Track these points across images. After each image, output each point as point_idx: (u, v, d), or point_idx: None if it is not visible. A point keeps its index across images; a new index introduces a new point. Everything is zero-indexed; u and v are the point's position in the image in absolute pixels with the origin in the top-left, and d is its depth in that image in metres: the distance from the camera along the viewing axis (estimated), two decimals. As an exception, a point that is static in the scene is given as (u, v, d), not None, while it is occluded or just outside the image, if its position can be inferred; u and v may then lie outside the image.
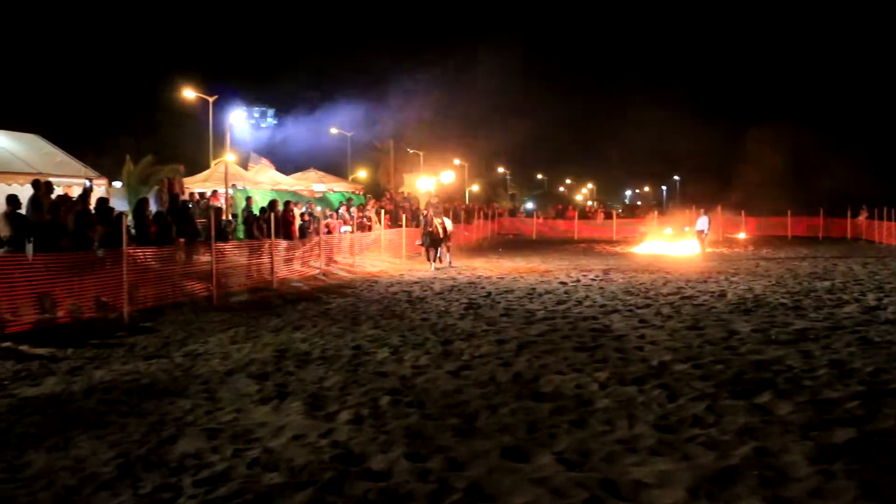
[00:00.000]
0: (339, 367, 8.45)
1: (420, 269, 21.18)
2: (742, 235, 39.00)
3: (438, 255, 22.24)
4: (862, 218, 37.02)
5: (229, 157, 30.57)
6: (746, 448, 5.49)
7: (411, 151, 56.06)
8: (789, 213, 40.32)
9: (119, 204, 20.69)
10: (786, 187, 42.75)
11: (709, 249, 28.27)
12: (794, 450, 5.43)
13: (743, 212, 41.28)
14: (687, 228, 30.92)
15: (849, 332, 10.16)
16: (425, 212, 25.08)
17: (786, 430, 5.88)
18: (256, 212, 19.42)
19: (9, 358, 9.25)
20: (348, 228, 24.08)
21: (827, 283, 16.50)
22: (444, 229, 22.20)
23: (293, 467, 5.27)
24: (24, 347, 9.74)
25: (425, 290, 16.02)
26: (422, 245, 22.64)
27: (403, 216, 26.82)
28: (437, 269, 21.23)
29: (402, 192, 41.23)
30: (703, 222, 28.02)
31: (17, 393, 7.61)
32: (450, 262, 22.35)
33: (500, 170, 78.51)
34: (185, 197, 21.14)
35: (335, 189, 32.63)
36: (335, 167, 42.77)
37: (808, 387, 7.23)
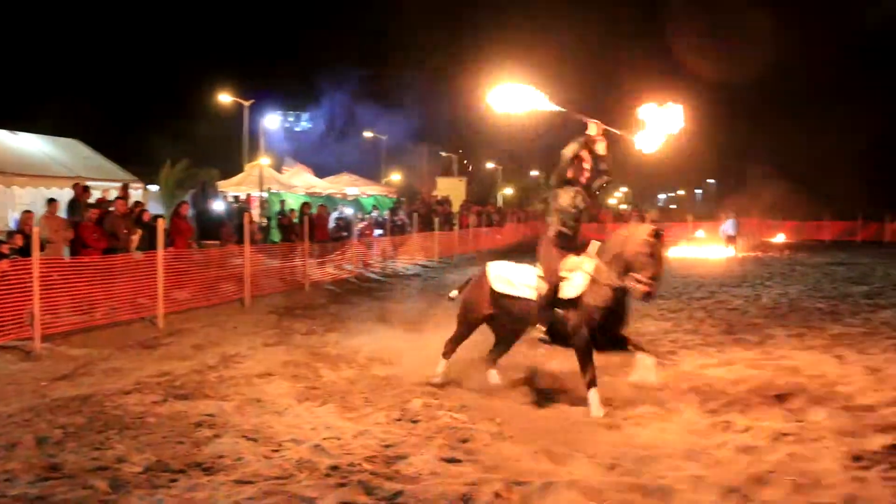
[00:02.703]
0: (371, 369, 8.50)
1: (453, 274, 21.20)
2: (779, 239, 38.52)
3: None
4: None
5: (264, 161, 30.84)
6: (780, 454, 5.45)
7: (445, 154, 56.19)
8: (827, 216, 39.77)
9: (155, 207, 20.98)
10: (821, 192, 42.14)
11: (741, 254, 27.98)
12: (828, 456, 5.39)
13: (780, 215, 40.78)
14: (700, 233, 30.66)
15: (885, 338, 10.02)
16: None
17: (820, 436, 5.82)
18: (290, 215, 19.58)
19: (47, 359, 9.41)
20: (381, 231, 24.18)
21: (864, 288, 16.26)
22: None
23: (326, 468, 5.31)
24: (62, 348, 9.91)
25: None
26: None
27: (436, 219, 26.86)
28: None
29: (436, 195, 41.32)
30: (730, 225, 27.76)
31: (53, 394, 7.74)
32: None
33: (534, 173, 78.36)
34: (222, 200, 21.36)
35: (368, 192, 32.81)
36: (368, 170, 42.96)
37: (841, 392, 7.15)
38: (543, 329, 6.99)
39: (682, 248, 31.36)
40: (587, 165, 7.14)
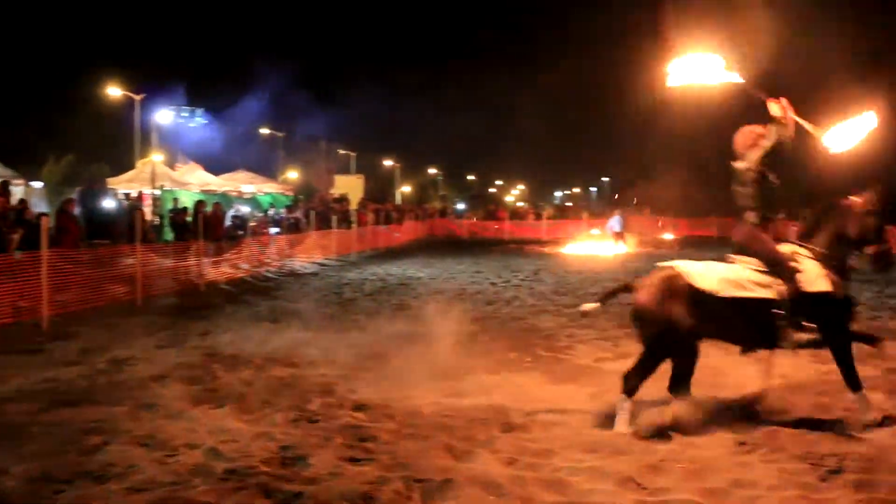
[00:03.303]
0: (268, 370, 8.36)
1: (352, 272, 21.09)
2: (669, 236, 39.79)
3: None
4: (780, 218, 38.07)
5: (156, 157, 29.95)
6: (672, 443, 5.64)
7: (343, 152, 55.82)
8: (714, 214, 41.29)
9: (39, 205, 20.09)
10: (713, 188, 43.70)
11: (632, 250, 28.81)
12: (716, 442, 5.62)
13: (669, 213, 42.21)
14: (595, 231, 31.49)
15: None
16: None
17: (708, 424, 6.04)
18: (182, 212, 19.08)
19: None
20: (278, 230, 23.84)
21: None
22: None
23: (223, 472, 5.18)
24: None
25: (356, 292, 15.95)
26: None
27: (334, 217, 26.66)
28: None
29: (333, 193, 41.00)
30: (616, 222, 28.60)
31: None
32: None
33: (432, 171, 78.71)
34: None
35: (265, 190, 32.29)
36: (265, 168, 42.26)
37: (733, 382, 7.44)
38: (797, 335, 5.91)
39: (576, 245, 32.07)
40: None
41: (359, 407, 6.77)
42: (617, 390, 6.19)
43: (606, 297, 6.68)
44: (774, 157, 6.07)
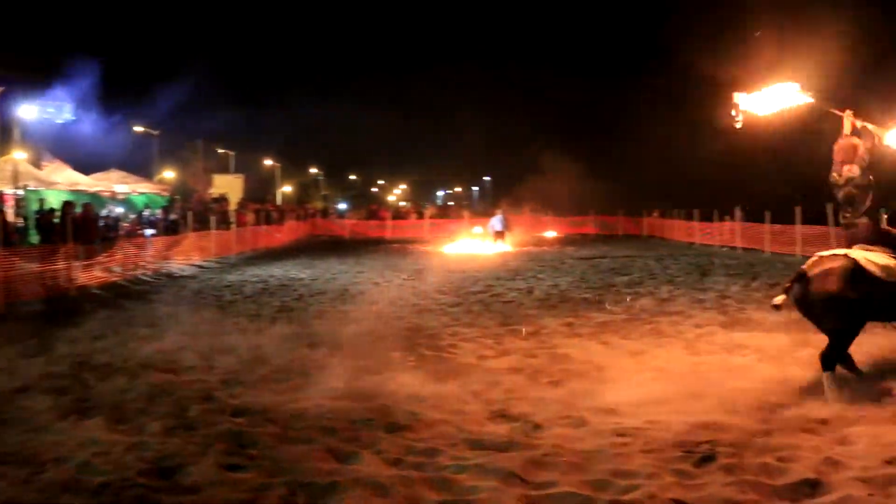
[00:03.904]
0: (144, 377, 8.05)
1: (231, 274, 20.60)
2: (550, 234, 40.67)
3: None
4: (655, 216, 39.57)
5: (19, 155, 28.40)
6: (554, 437, 5.74)
7: (221, 151, 54.51)
8: (592, 212, 42.49)
9: None
10: (590, 187, 44.95)
11: (513, 248, 29.32)
12: (597, 435, 5.76)
13: (550, 211, 43.18)
14: (477, 230, 31.95)
15: (645, 323, 10.86)
16: None
17: (590, 417, 6.21)
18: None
19: None
20: (153, 231, 23.06)
21: (625, 278, 17.53)
22: None
23: (95, 486, 4.95)
24: None
25: (236, 295, 15.60)
26: None
27: (213, 218, 26.01)
28: None
29: (212, 193, 39.99)
30: (497, 221, 29.07)
31: None
32: None
33: (313, 170, 77.86)
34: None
35: (139, 190, 31.14)
36: (140, 167, 40.73)
37: (609, 374, 7.66)
38: None
39: (458, 244, 32.35)
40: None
41: (239, 412, 6.61)
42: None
43: (789, 289, 6.72)
44: (871, 161, 6.89)
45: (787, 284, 6.78)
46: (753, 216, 26.87)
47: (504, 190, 57.46)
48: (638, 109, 52.12)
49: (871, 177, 6.92)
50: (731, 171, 41.46)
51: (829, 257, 6.64)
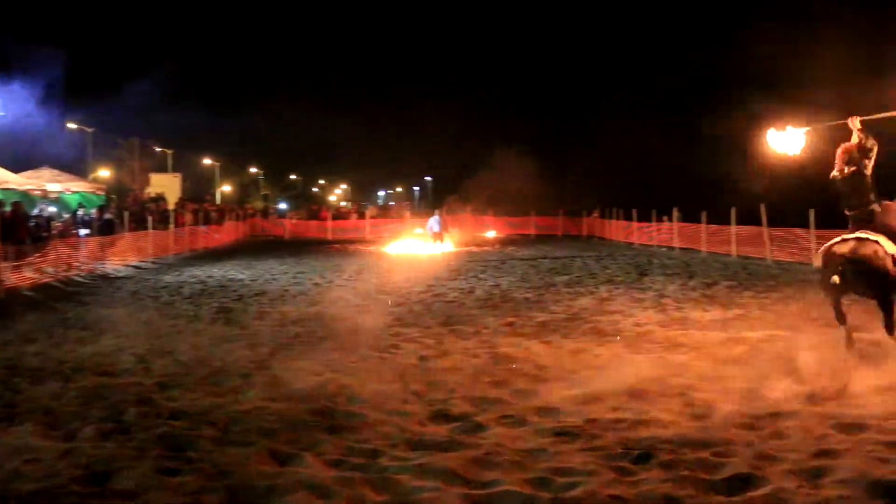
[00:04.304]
0: (78, 381, 7.85)
1: (169, 275, 20.23)
2: (491, 234, 40.88)
3: None
4: (595, 217, 40.06)
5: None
6: (496, 436, 5.76)
7: (159, 150, 53.57)
8: (532, 212, 42.84)
9: None
10: (530, 188, 45.30)
11: (455, 249, 29.42)
12: (538, 433, 5.80)
13: (491, 211, 43.42)
14: (418, 230, 32.02)
15: (585, 322, 10.98)
16: None
17: (531, 416, 6.25)
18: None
19: None
20: (87, 231, 22.53)
21: (565, 278, 17.70)
22: None
23: (25, 495, 4.80)
24: None
25: (173, 296, 15.33)
26: None
27: (150, 218, 25.52)
28: None
29: (149, 193, 39.25)
30: (434, 222, 29.16)
31: None
32: None
33: (253, 170, 76.98)
34: None
35: (73, 189, 30.36)
36: (73, 165, 39.71)
37: (551, 374, 7.72)
38: None
39: (399, 245, 32.32)
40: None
41: (177, 415, 6.49)
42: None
43: (842, 274, 7.35)
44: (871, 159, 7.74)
45: (839, 267, 7.41)
46: (690, 217, 27.45)
47: (446, 190, 57.58)
48: (579, 111, 52.81)
49: (868, 173, 7.70)
50: (669, 173, 42.27)
51: (864, 240, 7.44)
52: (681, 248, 26.80)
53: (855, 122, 7.80)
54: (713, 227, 25.27)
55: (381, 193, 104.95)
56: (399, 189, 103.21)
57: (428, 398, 6.93)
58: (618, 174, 47.48)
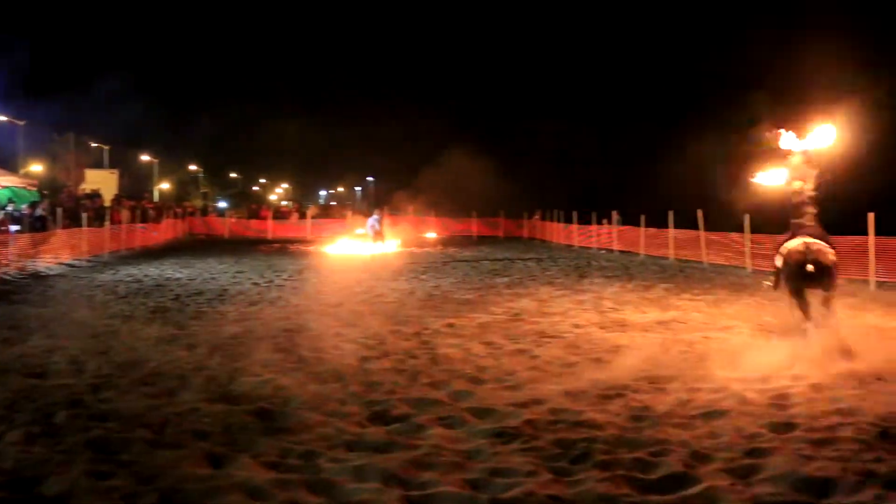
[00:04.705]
0: (4, 383, 7.61)
1: (104, 274, 19.78)
2: (432, 235, 40.92)
3: None
4: (536, 219, 40.39)
5: None
6: (435, 437, 5.76)
7: (95, 145, 52.42)
8: (475, 214, 43.02)
9: None
10: (472, 189, 45.48)
11: (398, 249, 29.38)
12: (476, 434, 5.82)
13: (433, 212, 43.48)
14: (360, 230, 31.91)
15: (526, 323, 11.06)
16: None
17: (470, 417, 6.26)
18: None
19: None
20: (18, 227, 21.91)
21: (506, 279, 17.80)
22: None
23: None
24: None
25: (108, 295, 14.99)
26: None
27: (84, 215, 24.93)
28: None
29: (84, 189, 38.35)
30: (374, 221, 29.15)
31: None
32: None
33: (193, 167, 75.81)
34: None
35: (3, 184, 29.50)
36: (3, 160, 38.59)
37: (490, 374, 7.75)
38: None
39: (340, 245, 32.15)
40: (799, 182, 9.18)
41: (110, 417, 6.34)
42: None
43: (813, 264, 8.67)
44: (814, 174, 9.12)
45: (810, 267, 8.64)
46: (629, 220, 27.87)
47: (388, 191, 57.53)
48: (521, 115, 53.18)
49: (815, 188, 9.07)
50: (609, 177, 42.85)
51: (813, 244, 8.77)
52: (620, 251, 27.19)
53: (793, 144, 9.24)
54: (651, 230, 25.69)
55: (323, 193, 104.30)
56: (341, 189, 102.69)
57: (367, 399, 6.89)
58: (559, 177, 47.99)
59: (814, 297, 8.81)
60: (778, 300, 10.02)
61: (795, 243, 8.89)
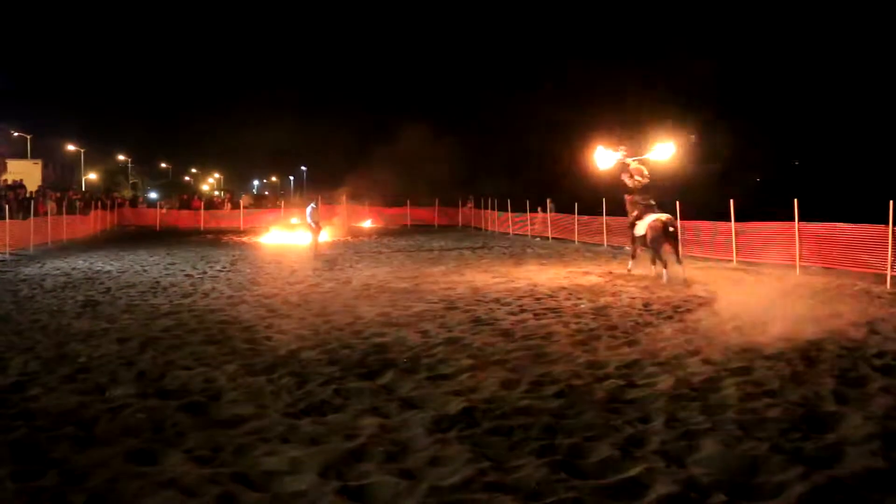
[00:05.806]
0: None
1: (29, 267, 19.19)
2: (367, 224, 40.76)
3: None
4: (469, 207, 40.52)
5: None
6: (372, 427, 5.73)
7: (17, 134, 50.85)
8: (408, 202, 42.97)
9: None
10: (406, 178, 45.45)
11: (332, 239, 29.18)
12: (415, 423, 5.80)
13: (367, 202, 43.30)
14: (294, 220, 31.60)
15: (461, 312, 11.08)
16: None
17: (407, 406, 6.25)
18: None
19: None
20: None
21: (442, 268, 17.82)
22: None
23: None
24: None
25: (34, 289, 14.54)
26: None
27: (7, 207, 24.15)
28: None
29: (6, 180, 37.15)
30: (310, 211, 28.98)
31: None
32: None
33: (121, 157, 74.07)
34: None
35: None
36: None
37: (426, 364, 7.75)
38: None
39: (274, 235, 31.79)
40: (638, 177, 15.05)
41: (35, 415, 6.15)
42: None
43: (672, 229, 14.64)
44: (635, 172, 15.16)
45: (671, 229, 14.37)
46: (563, 208, 28.18)
47: (322, 180, 57.07)
48: (455, 104, 53.22)
49: (642, 179, 15.04)
50: (542, 166, 43.21)
51: (668, 216, 14.59)
52: (554, 239, 27.48)
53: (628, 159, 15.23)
54: (585, 217, 26.03)
55: (256, 183, 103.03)
56: (274, 178, 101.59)
57: (302, 391, 6.83)
58: (493, 166, 48.22)
59: (668, 255, 14.10)
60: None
61: (657, 216, 14.36)
